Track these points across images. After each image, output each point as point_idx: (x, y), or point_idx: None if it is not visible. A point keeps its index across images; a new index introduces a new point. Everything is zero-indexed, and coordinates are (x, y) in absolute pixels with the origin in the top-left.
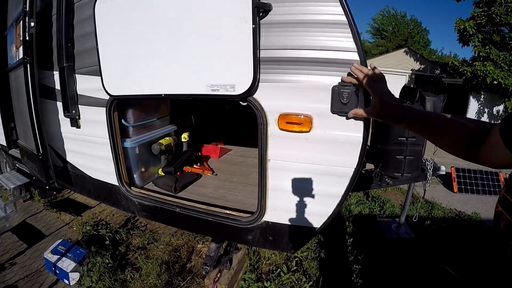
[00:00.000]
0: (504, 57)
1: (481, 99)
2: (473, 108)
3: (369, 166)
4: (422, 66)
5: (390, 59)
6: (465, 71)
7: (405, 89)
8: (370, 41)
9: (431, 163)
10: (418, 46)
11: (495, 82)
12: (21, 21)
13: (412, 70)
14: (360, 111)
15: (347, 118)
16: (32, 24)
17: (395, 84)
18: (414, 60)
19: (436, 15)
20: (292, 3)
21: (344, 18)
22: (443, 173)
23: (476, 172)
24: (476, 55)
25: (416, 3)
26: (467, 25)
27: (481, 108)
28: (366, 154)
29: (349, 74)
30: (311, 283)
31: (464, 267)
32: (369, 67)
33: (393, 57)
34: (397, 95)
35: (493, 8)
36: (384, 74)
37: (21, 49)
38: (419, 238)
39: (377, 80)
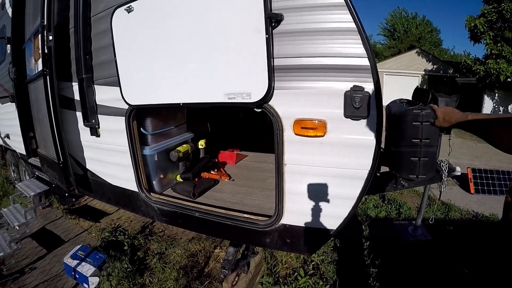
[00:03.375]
0: None
1: (496, 98)
2: (487, 107)
3: (384, 168)
4: (435, 66)
5: (402, 60)
6: (478, 70)
7: (417, 91)
8: (382, 42)
9: (446, 164)
10: (430, 46)
11: (509, 79)
12: (40, 35)
13: (425, 70)
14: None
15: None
16: (50, 37)
17: (408, 86)
18: (427, 61)
19: (446, 14)
20: (303, 13)
21: (353, 25)
22: (459, 173)
23: (492, 172)
24: (488, 52)
25: (426, 2)
26: (477, 22)
27: (496, 106)
28: (380, 156)
29: None
30: (328, 286)
31: (482, 268)
32: None
33: (405, 58)
34: (410, 97)
35: (503, 4)
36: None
37: (40, 61)
38: (436, 240)
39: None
